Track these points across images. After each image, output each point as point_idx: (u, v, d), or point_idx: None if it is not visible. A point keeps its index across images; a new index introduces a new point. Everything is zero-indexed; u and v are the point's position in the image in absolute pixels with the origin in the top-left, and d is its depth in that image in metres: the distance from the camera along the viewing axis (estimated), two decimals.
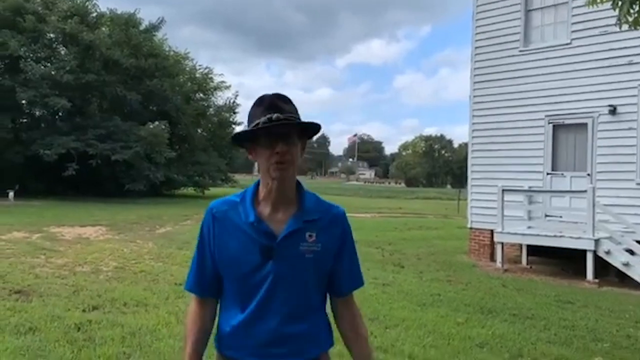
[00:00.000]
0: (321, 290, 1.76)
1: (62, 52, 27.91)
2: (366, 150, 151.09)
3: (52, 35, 27.80)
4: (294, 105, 1.68)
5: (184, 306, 6.31)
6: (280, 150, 1.60)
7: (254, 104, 1.68)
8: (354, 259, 1.81)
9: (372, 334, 5.33)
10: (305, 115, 1.72)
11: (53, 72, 25.77)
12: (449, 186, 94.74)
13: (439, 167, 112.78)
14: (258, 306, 1.65)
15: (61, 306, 6.10)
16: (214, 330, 1.80)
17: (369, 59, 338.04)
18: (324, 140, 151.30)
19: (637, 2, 3.76)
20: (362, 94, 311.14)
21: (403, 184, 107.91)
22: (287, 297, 1.65)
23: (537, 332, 5.82)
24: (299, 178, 1.76)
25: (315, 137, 1.84)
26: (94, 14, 29.27)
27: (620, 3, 3.86)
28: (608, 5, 4.31)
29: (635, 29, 4.06)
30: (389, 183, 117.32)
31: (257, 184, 1.73)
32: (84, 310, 5.98)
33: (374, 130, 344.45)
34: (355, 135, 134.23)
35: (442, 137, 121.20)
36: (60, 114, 28.42)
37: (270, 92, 1.67)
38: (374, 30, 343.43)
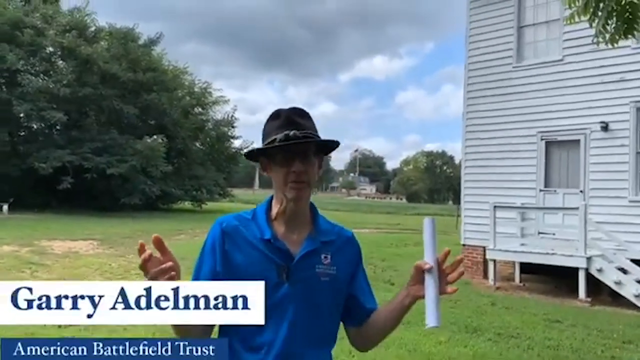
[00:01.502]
0: (335, 320, 1.63)
1: (60, 66, 28.01)
2: (367, 166, 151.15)
3: (50, 49, 27.93)
4: (312, 120, 1.59)
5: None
6: (296, 169, 1.51)
7: (269, 118, 1.58)
8: (368, 283, 1.73)
9: (350, 353, 5.22)
10: None
11: (50, 86, 25.81)
12: (450, 202, 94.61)
13: (441, 183, 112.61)
14: (275, 333, 1.49)
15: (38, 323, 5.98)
16: None
17: (372, 75, 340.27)
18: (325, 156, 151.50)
19: (613, 19, 3.72)
20: (364, 110, 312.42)
21: (404, 200, 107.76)
22: (303, 323, 1.52)
23: (520, 352, 5.70)
24: None
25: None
26: (93, 28, 29.40)
27: (596, 20, 3.81)
28: None
29: (612, 46, 4.02)
30: (390, 198, 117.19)
31: (269, 201, 1.62)
32: (59, 327, 5.87)
33: (376, 146, 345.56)
34: (356, 150, 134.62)
35: (443, 153, 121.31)
36: (57, 127, 28.44)
37: (278, 106, 1.58)
38: (377, 46, 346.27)
